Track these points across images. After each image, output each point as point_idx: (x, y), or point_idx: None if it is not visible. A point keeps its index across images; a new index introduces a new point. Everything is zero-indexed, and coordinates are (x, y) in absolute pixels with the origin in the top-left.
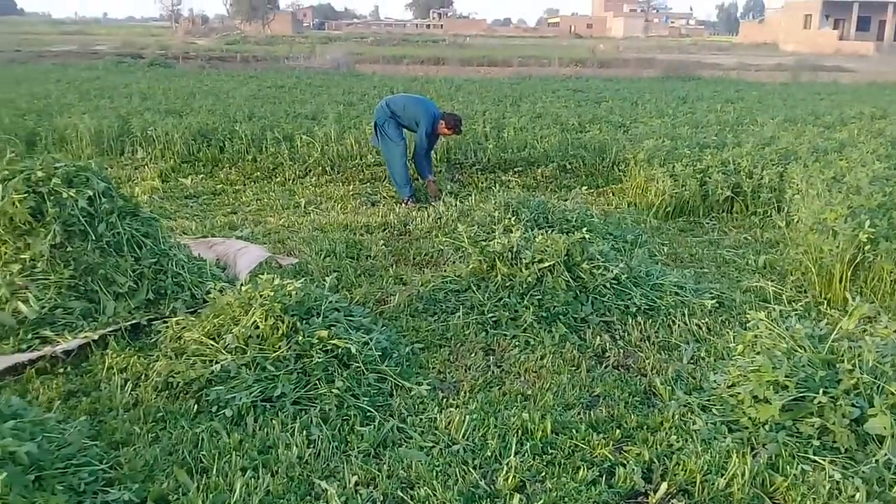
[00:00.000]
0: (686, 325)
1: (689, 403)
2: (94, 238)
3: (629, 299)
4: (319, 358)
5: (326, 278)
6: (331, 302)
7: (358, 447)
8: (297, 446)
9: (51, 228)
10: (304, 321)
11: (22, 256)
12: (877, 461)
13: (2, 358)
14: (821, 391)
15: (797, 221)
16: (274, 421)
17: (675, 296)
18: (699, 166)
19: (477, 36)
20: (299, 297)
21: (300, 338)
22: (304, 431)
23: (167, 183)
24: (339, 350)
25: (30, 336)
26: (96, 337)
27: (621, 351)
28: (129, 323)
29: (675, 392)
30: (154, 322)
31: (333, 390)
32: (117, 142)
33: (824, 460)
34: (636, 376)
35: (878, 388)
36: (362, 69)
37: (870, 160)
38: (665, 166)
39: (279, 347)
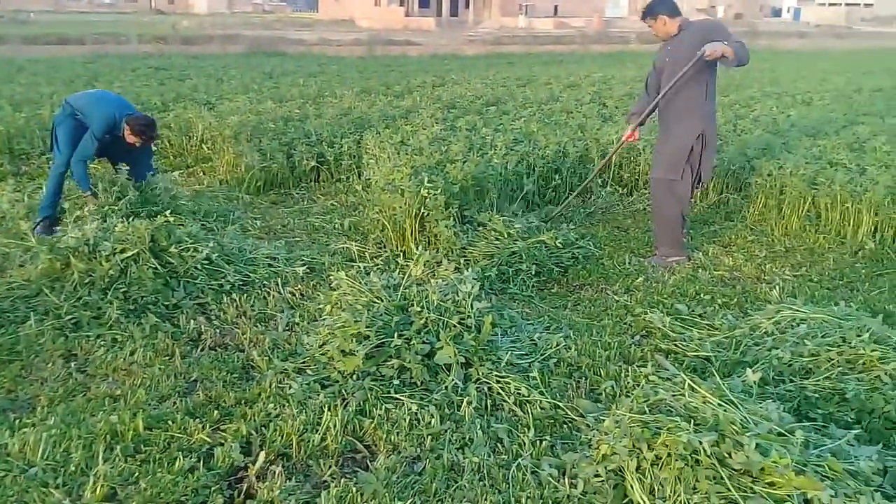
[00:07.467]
0: (280, 294)
1: (285, 370)
2: None
3: (223, 278)
4: None
5: None
6: None
7: None
8: None
9: None
10: None
11: None
12: (446, 387)
13: None
14: (396, 335)
15: (374, 184)
16: None
17: (269, 268)
18: (284, 139)
19: (42, 11)
20: None
21: None
22: None
23: None
24: None
25: None
26: None
27: (217, 331)
28: None
29: (272, 361)
30: None
31: None
32: None
33: (404, 396)
34: (234, 353)
35: (443, 323)
36: None
37: (429, 123)
38: (252, 141)
39: None
